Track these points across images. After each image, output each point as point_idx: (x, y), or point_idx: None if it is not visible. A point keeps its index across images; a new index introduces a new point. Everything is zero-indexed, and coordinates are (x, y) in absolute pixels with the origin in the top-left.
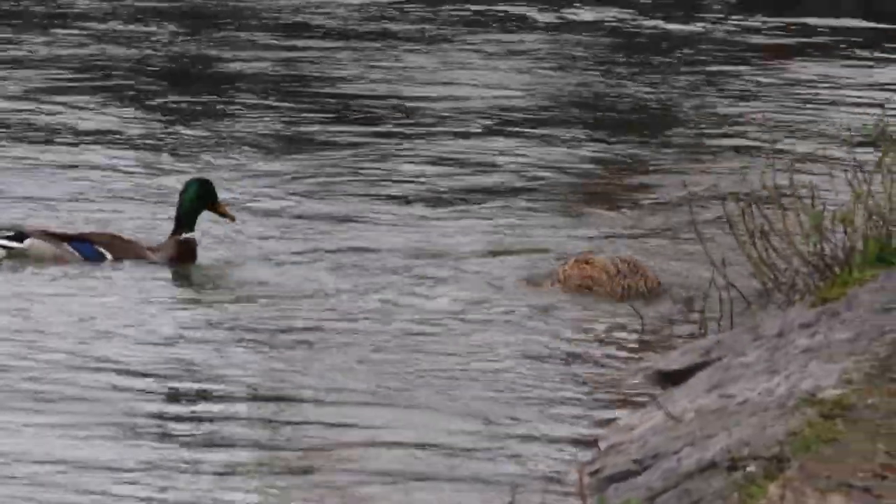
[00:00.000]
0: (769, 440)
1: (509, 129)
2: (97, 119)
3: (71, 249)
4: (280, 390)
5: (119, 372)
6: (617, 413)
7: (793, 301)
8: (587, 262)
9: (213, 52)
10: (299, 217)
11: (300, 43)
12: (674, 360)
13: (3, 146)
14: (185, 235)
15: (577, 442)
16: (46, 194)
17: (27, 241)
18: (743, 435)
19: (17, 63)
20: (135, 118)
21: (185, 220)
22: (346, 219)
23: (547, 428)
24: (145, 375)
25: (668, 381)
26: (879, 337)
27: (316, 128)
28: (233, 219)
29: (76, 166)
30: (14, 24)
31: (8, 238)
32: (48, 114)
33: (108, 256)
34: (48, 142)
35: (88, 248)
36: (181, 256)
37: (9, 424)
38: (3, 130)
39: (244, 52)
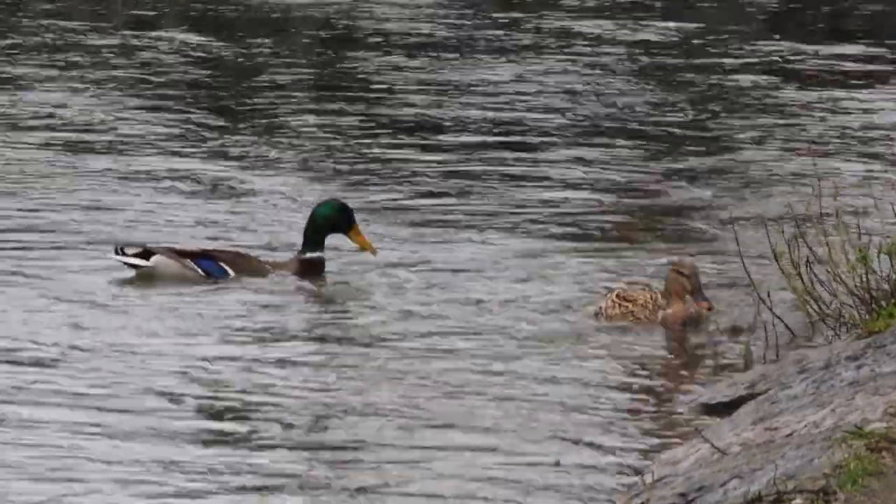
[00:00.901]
0: (815, 473)
1: (544, 146)
2: (165, 129)
3: (194, 266)
4: (340, 409)
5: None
6: (662, 445)
7: (839, 333)
8: (627, 300)
9: (272, 60)
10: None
11: (356, 52)
12: (719, 393)
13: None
14: (309, 255)
15: (623, 474)
16: (132, 204)
17: (154, 259)
18: (789, 468)
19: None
20: (196, 127)
21: (311, 238)
22: (414, 237)
23: (592, 459)
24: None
25: (714, 413)
26: None
27: (365, 137)
28: (374, 252)
29: (147, 176)
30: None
31: (135, 256)
32: (104, 123)
33: (231, 273)
34: (117, 152)
35: (212, 265)
36: (304, 276)
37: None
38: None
39: (305, 60)
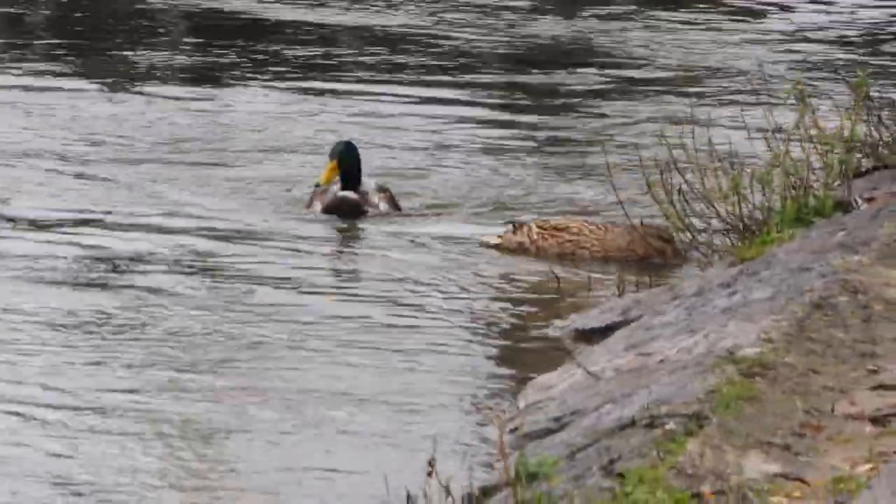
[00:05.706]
0: (688, 398)
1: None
2: None
3: None
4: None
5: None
6: (537, 371)
7: (711, 261)
8: (558, 228)
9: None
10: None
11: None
12: (592, 319)
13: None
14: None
15: (498, 399)
16: None
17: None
18: (662, 393)
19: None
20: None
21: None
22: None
23: (466, 386)
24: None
25: (588, 339)
26: (798, 296)
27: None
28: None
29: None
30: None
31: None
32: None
33: None
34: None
35: None
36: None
37: None
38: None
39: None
